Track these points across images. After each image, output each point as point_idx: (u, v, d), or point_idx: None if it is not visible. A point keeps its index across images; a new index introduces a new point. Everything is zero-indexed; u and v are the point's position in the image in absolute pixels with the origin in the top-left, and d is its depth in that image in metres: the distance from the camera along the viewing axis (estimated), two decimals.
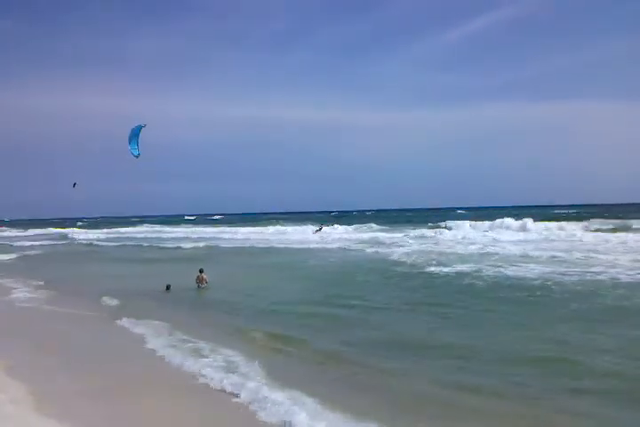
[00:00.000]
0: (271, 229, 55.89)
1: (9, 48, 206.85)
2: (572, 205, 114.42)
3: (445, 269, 18.52)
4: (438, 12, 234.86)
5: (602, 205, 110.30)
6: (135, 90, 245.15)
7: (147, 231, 67.19)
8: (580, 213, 66.44)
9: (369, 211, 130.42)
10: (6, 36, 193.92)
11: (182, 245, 38.42)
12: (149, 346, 9.68)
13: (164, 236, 54.69)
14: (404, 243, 31.68)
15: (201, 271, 16.09)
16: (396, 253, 24.83)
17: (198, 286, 15.89)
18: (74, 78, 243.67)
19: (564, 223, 37.85)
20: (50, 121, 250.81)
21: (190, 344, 9.49)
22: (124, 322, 11.65)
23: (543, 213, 65.21)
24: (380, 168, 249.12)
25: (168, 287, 15.61)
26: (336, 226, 51.87)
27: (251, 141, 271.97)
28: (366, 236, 40.64)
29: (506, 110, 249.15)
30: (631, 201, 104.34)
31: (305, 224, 56.40)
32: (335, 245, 32.58)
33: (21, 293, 16.41)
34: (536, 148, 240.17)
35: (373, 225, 54.64)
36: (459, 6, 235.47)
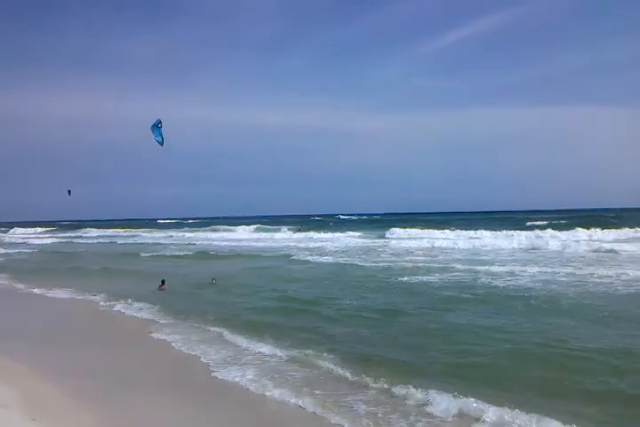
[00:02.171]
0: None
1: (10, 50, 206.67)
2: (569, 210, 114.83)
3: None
4: (434, 16, 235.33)
5: (603, 209, 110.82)
6: (129, 94, 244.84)
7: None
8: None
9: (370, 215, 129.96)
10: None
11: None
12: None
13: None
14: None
15: (162, 282, 17.53)
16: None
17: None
18: (73, 81, 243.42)
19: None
20: (47, 125, 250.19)
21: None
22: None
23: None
24: (377, 172, 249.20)
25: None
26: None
27: (246, 145, 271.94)
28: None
29: (504, 114, 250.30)
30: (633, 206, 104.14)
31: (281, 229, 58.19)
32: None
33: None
34: (538, 152, 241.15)
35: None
36: (455, 10, 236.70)
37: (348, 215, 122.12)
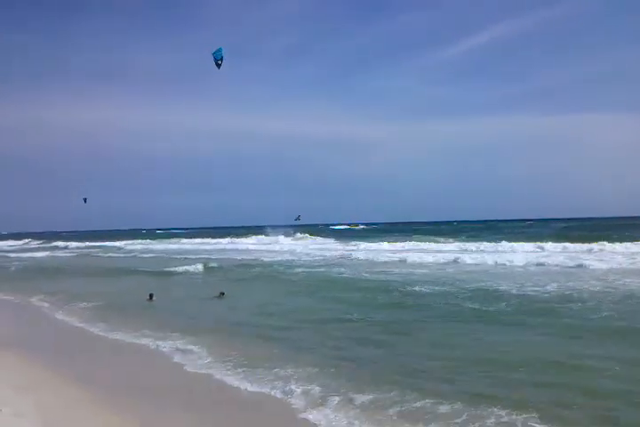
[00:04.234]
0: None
1: (25, 61, 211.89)
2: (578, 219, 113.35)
3: None
4: (440, 26, 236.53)
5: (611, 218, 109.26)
6: (140, 103, 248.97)
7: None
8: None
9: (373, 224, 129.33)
10: (22, 49, 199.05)
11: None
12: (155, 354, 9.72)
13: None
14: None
15: (150, 296, 17.38)
16: None
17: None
18: (86, 92, 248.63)
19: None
20: (56, 134, 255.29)
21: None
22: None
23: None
24: (382, 181, 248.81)
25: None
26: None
27: (252, 155, 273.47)
28: None
29: (514, 123, 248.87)
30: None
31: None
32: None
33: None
34: (546, 161, 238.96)
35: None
36: (462, 21, 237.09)
37: (347, 224, 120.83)
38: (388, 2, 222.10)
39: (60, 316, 14.84)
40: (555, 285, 16.89)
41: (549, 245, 32.56)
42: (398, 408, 6.81)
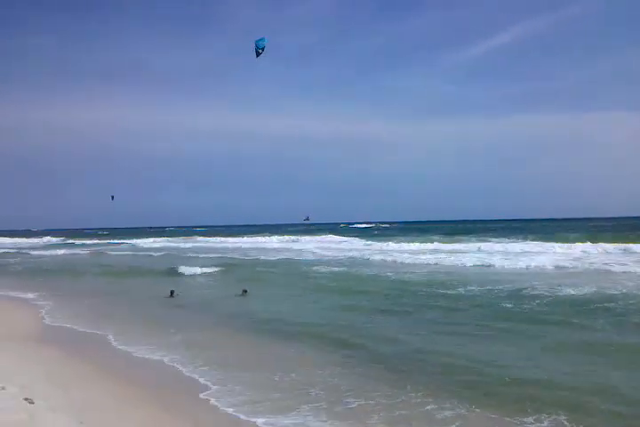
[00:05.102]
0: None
1: (44, 64, 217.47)
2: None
3: None
4: (459, 26, 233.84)
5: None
6: (158, 104, 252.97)
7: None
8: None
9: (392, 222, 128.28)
10: (41, 52, 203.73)
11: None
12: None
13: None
14: None
15: (172, 293, 17.40)
16: None
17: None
18: (100, 92, 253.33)
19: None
20: (72, 134, 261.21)
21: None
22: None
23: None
24: (398, 180, 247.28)
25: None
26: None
27: (265, 154, 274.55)
28: None
29: (533, 122, 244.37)
30: None
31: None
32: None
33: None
34: (567, 160, 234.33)
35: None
36: (484, 20, 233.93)
37: (363, 223, 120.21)
38: (402, 3, 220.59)
39: (98, 314, 14.78)
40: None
41: (591, 246, 30.19)
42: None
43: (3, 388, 6.83)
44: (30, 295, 18.13)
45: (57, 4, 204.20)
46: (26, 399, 6.51)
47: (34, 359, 9.19)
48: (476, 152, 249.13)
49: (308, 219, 49.33)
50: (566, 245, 32.08)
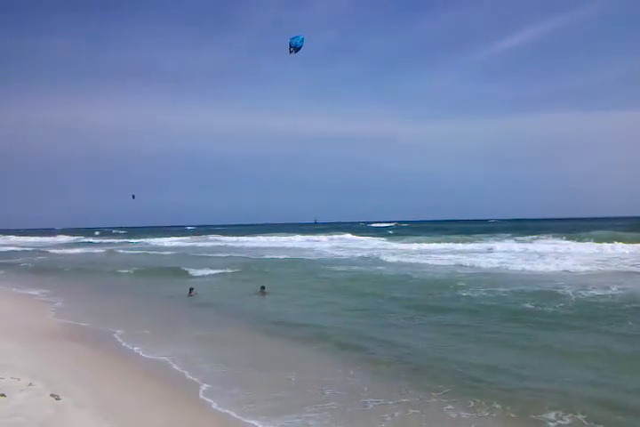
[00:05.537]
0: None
1: (69, 64, 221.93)
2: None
3: None
4: (482, 24, 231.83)
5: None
6: (173, 103, 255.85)
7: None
8: None
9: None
10: (66, 52, 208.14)
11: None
12: None
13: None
14: None
15: (190, 290, 17.63)
16: None
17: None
18: (119, 91, 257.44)
19: None
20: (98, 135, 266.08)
21: None
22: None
23: None
24: (425, 179, 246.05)
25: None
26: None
27: (290, 154, 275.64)
28: None
29: (557, 120, 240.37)
30: None
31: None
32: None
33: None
34: (594, 160, 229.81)
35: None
36: (503, 19, 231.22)
37: (383, 222, 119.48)
38: (424, 2, 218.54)
39: (121, 312, 15.11)
40: None
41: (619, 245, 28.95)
42: None
43: (30, 384, 7.07)
44: (51, 295, 18.48)
45: (74, 5, 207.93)
46: (52, 396, 6.72)
47: (58, 357, 9.42)
48: (502, 150, 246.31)
49: (316, 221, 50.00)
50: (593, 244, 31.44)
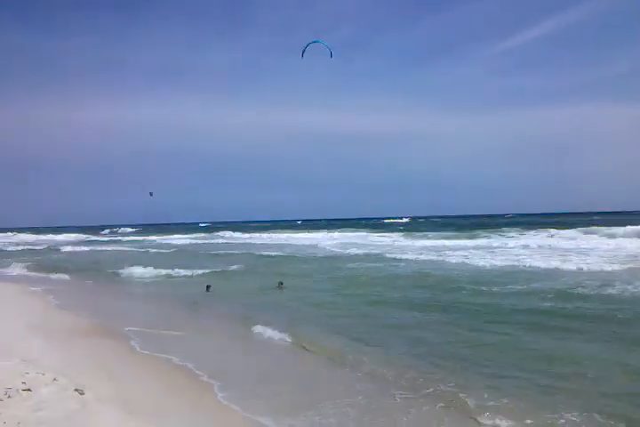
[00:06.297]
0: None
1: (90, 63, 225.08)
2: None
3: None
4: (506, 15, 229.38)
5: None
6: (199, 102, 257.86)
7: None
8: None
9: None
10: (85, 52, 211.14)
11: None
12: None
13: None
14: None
15: (207, 287, 17.62)
16: None
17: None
18: (145, 91, 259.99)
19: None
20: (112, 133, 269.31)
21: None
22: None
23: None
24: (448, 175, 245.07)
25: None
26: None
27: (314, 150, 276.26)
28: None
29: (588, 112, 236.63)
30: None
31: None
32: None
33: None
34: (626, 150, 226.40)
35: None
36: (527, 9, 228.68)
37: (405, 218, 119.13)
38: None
39: (141, 309, 15.29)
40: None
41: None
42: None
43: (55, 379, 7.10)
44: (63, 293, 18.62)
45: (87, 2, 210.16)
46: (76, 390, 6.75)
47: (81, 353, 9.46)
48: (529, 144, 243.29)
49: (321, 222, 50.41)
50: (613, 240, 30.56)
